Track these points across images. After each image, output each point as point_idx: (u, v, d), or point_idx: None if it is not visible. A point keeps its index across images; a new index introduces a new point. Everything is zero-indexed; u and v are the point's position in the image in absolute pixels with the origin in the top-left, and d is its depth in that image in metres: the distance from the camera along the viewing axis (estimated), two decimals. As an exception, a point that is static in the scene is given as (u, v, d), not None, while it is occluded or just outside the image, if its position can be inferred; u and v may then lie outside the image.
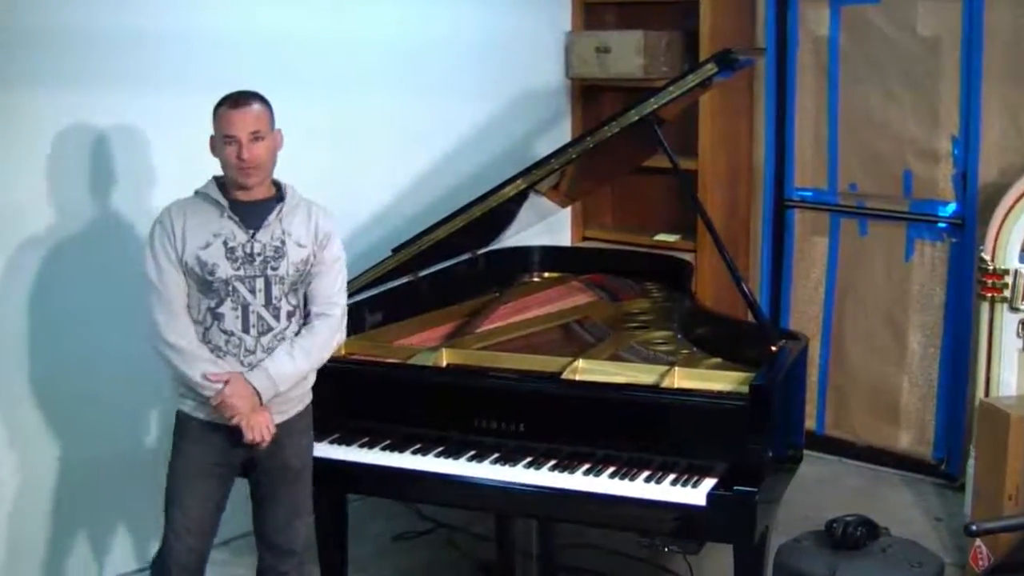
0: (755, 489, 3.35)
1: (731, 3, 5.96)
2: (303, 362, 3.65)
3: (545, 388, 3.78)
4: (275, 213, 3.63)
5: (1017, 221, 4.76)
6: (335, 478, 3.90)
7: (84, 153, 4.44)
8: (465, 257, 5.06)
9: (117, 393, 4.67)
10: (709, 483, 3.45)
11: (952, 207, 5.53)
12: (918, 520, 5.25)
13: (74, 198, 4.45)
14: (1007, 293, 4.77)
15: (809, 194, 6.05)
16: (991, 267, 4.78)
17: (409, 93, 5.57)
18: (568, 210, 6.39)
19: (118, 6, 4.49)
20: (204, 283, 3.55)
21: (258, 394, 3.56)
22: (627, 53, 6.03)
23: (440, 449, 3.78)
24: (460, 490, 3.70)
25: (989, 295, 4.81)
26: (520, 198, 4.53)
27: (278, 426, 3.62)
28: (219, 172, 3.65)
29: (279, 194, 3.70)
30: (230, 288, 3.56)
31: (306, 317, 3.72)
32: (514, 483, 3.61)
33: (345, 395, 3.97)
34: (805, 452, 4.28)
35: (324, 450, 3.86)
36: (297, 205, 3.69)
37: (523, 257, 5.38)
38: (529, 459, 3.67)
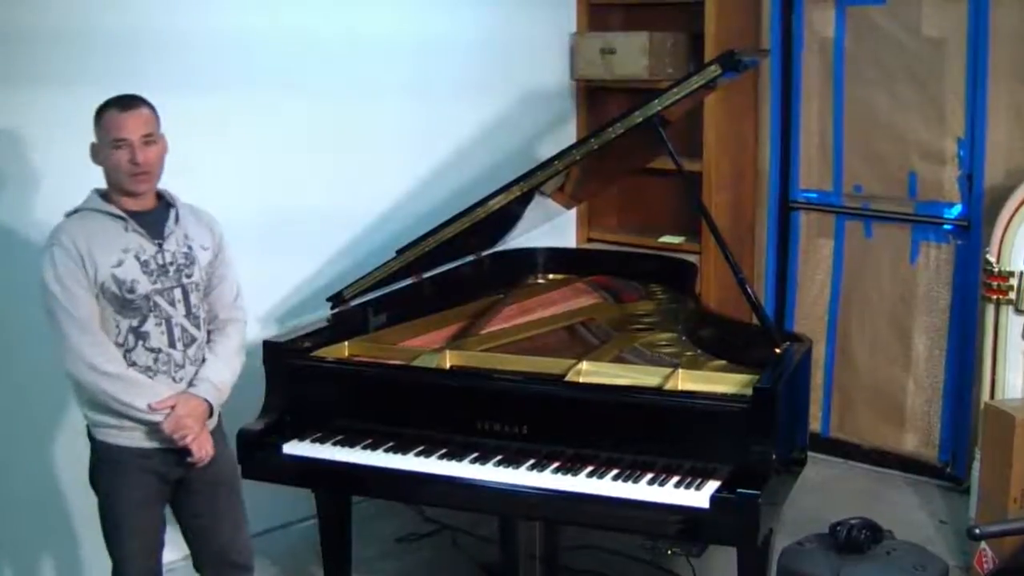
0: (759, 492, 3.33)
1: (736, 4, 5.95)
2: (235, 366, 3.68)
3: (549, 390, 3.77)
4: (172, 220, 3.56)
5: (1023, 223, 4.75)
6: (338, 480, 3.90)
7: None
8: (470, 258, 5.06)
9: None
10: (713, 485, 3.44)
11: (957, 209, 5.52)
12: (923, 523, 5.24)
13: None
14: (1012, 295, 4.75)
15: (814, 196, 6.04)
16: (996, 269, 4.77)
17: (414, 94, 5.58)
18: (573, 211, 6.40)
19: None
20: (123, 302, 3.44)
21: (210, 408, 3.55)
22: (632, 54, 6.03)
23: (443, 451, 3.77)
24: (463, 492, 3.68)
25: (994, 297, 4.80)
26: (525, 200, 4.52)
27: None
28: (98, 185, 3.53)
29: (165, 201, 3.61)
30: (151, 303, 3.48)
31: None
32: (517, 485, 3.60)
33: (348, 397, 3.97)
34: (810, 454, 4.27)
35: (327, 452, 3.85)
36: (186, 209, 3.63)
37: (528, 259, 5.38)
38: (532, 461, 3.66)
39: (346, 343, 4.19)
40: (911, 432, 5.81)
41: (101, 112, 3.44)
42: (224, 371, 3.63)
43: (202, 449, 3.53)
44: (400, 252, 4.46)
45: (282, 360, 3.99)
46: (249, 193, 4.92)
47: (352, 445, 3.87)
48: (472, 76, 5.87)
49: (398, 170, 5.62)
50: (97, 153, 3.47)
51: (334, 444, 3.88)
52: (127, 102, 3.44)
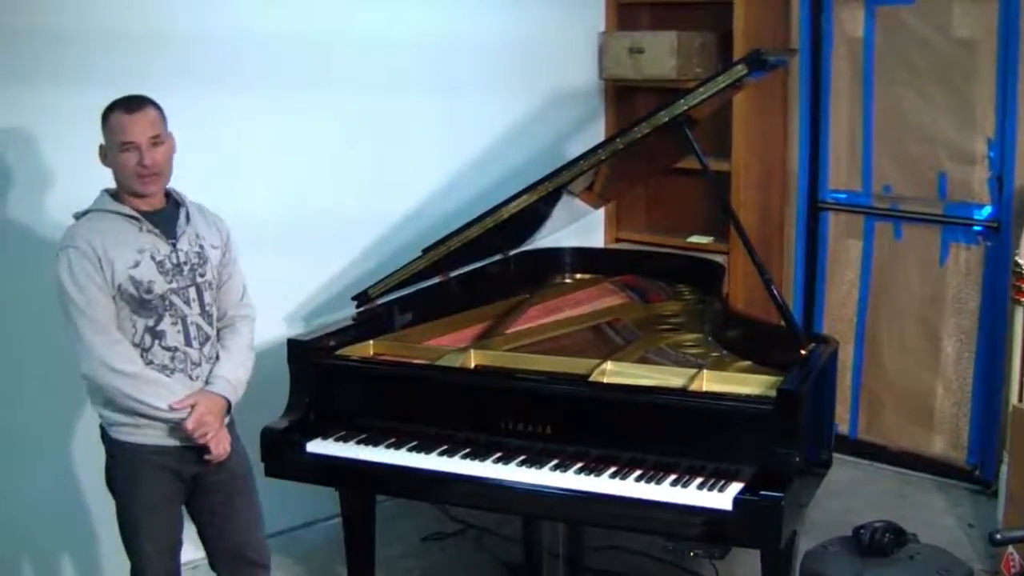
0: (782, 494, 3.31)
1: (765, 4, 5.93)
2: (248, 363, 3.70)
3: (573, 390, 3.76)
4: (183, 219, 3.56)
5: (1053, 225, 4.72)
6: (361, 479, 3.90)
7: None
8: (497, 258, 5.05)
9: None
10: (736, 487, 3.42)
11: (987, 210, 5.48)
12: (950, 526, 5.21)
13: None
14: (1042, 298, 4.73)
15: (843, 196, 6.01)
16: (1026, 271, 4.74)
17: (442, 94, 5.58)
18: (602, 211, 6.39)
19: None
20: (140, 302, 3.43)
21: (228, 405, 3.56)
22: (661, 54, 6.01)
23: (467, 451, 3.77)
24: (486, 492, 3.68)
25: (1024, 299, 4.77)
26: (553, 199, 4.52)
27: None
28: (107, 184, 3.53)
29: (174, 200, 3.61)
30: (167, 303, 3.48)
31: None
32: (540, 486, 3.58)
33: (372, 395, 3.97)
34: (838, 456, 4.25)
35: (351, 451, 3.85)
36: (194, 208, 3.63)
37: (555, 258, 5.37)
38: (556, 461, 3.65)
39: (371, 342, 4.19)
40: (939, 435, 5.78)
41: (107, 114, 3.42)
42: (238, 368, 3.65)
43: (220, 446, 3.55)
44: (426, 251, 4.46)
45: (307, 359, 3.99)
46: (275, 192, 4.94)
47: (375, 444, 3.87)
48: (500, 75, 5.86)
49: (426, 169, 5.63)
50: (105, 155, 3.46)
51: (358, 443, 3.88)
52: (133, 104, 3.42)
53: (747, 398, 3.59)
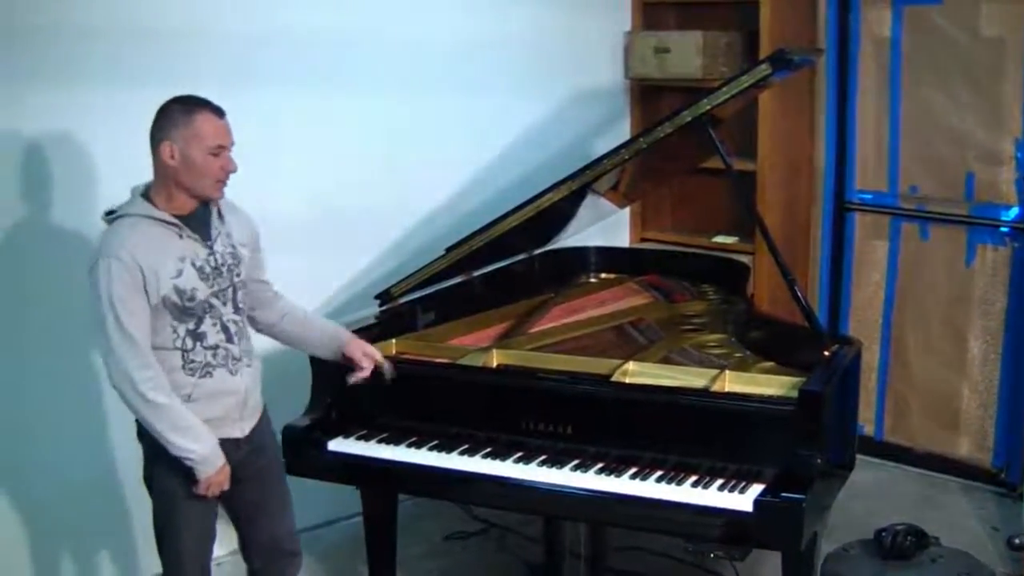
0: (803, 496, 3.30)
1: (792, 4, 5.90)
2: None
3: (594, 390, 3.76)
4: (215, 219, 3.53)
5: (1080, 227, 4.69)
6: (382, 478, 3.90)
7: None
8: (521, 257, 5.05)
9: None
10: (757, 489, 3.41)
11: (1015, 211, 5.45)
12: (975, 529, 5.18)
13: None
14: (1068, 299, 4.70)
15: (869, 197, 5.98)
16: (1052, 273, 4.71)
17: (467, 93, 5.57)
18: (627, 211, 6.38)
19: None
20: (183, 310, 3.40)
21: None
22: (686, 54, 6.00)
23: (487, 450, 3.77)
24: (506, 491, 3.68)
25: (1050, 301, 4.74)
26: (578, 198, 4.51)
27: (255, 431, 3.65)
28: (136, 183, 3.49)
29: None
30: (207, 305, 3.46)
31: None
32: (560, 486, 3.58)
33: (394, 394, 3.95)
34: (863, 458, 4.22)
35: (372, 449, 3.86)
36: (225, 206, 3.59)
37: (580, 257, 5.36)
38: (576, 462, 3.65)
39: (394, 340, 4.19)
40: (965, 436, 5.75)
41: (192, 112, 3.35)
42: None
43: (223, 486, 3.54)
44: (449, 250, 4.46)
45: (329, 357, 4.00)
46: (299, 190, 4.95)
47: (397, 443, 3.88)
48: (525, 75, 5.86)
49: (450, 168, 5.63)
50: (177, 154, 3.34)
51: (379, 441, 3.89)
52: (218, 108, 3.40)
53: (769, 399, 3.58)
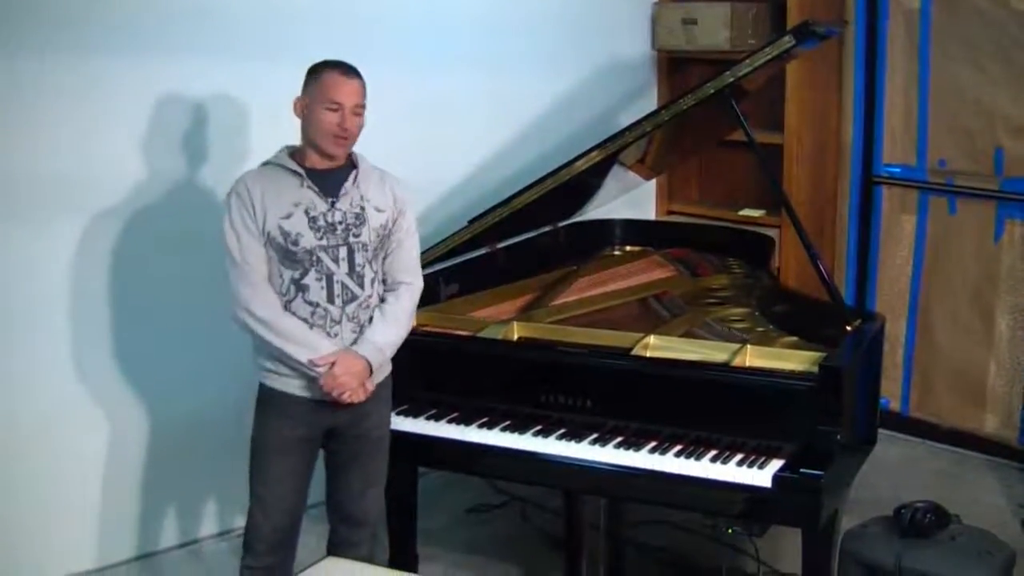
0: (822, 472, 3.29)
1: (820, -25, 5.86)
2: (402, 329, 3.70)
3: (614, 364, 3.75)
4: (351, 180, 3.60)
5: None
6: (402, 450, 3.89)
7: (180, 123, 4.51)
8: (546, 229, 5.03)
9: (199, 362, 4.72)
10: (776, 465, 3.40)
11: (1044, 186, 5.40)
12: (1000, 507, 5.14)
13: (167, 167, 4.52)
14: (1097, 276, 4.65)
15: (897, 170, 5.93)
16: (1081, 249, 4.67)
17: (493, 66, 5.55)
18: (653, 183, 6.36)
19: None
20: (287, 254, 3.51)
21: (369, 366, 3.58)
22: (714, 25, 5.96)
23: (506, 423, 3.77)
24: (525, 465, 3.69)
25: (1079, 277, 4.70)
26: (603, 170, 4.49)
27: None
28: (292, 142, 3.62)
29: (350, 161, 3.67)
30: (314, 258, 3.52)
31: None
32: (578, 459, 3.59)
33: (414, 367, 3.95)
34: (889, 433, 4.20)
35: (392, 422, 3.85)
36: (370, 171, 3.67)
37: (605, 230, 5.34)
38: (595, 435, 3.65)
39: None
40: (991, 413, 5.71)
41: (319, 71, 3.56)
42: (389, 332, 3.65)
43: (354, 396, 3.57)
44: (472, 222, 4.45)
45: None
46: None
47: (416, 415, 3.89)
48: (552, 47, 5.83)
49: (476, 141, 5.62)
50: (302, 108, 3.57)
51: (398, 414, 3.89)
52: (348, 69, 3.57)
53: (790, 374, 3.56)
